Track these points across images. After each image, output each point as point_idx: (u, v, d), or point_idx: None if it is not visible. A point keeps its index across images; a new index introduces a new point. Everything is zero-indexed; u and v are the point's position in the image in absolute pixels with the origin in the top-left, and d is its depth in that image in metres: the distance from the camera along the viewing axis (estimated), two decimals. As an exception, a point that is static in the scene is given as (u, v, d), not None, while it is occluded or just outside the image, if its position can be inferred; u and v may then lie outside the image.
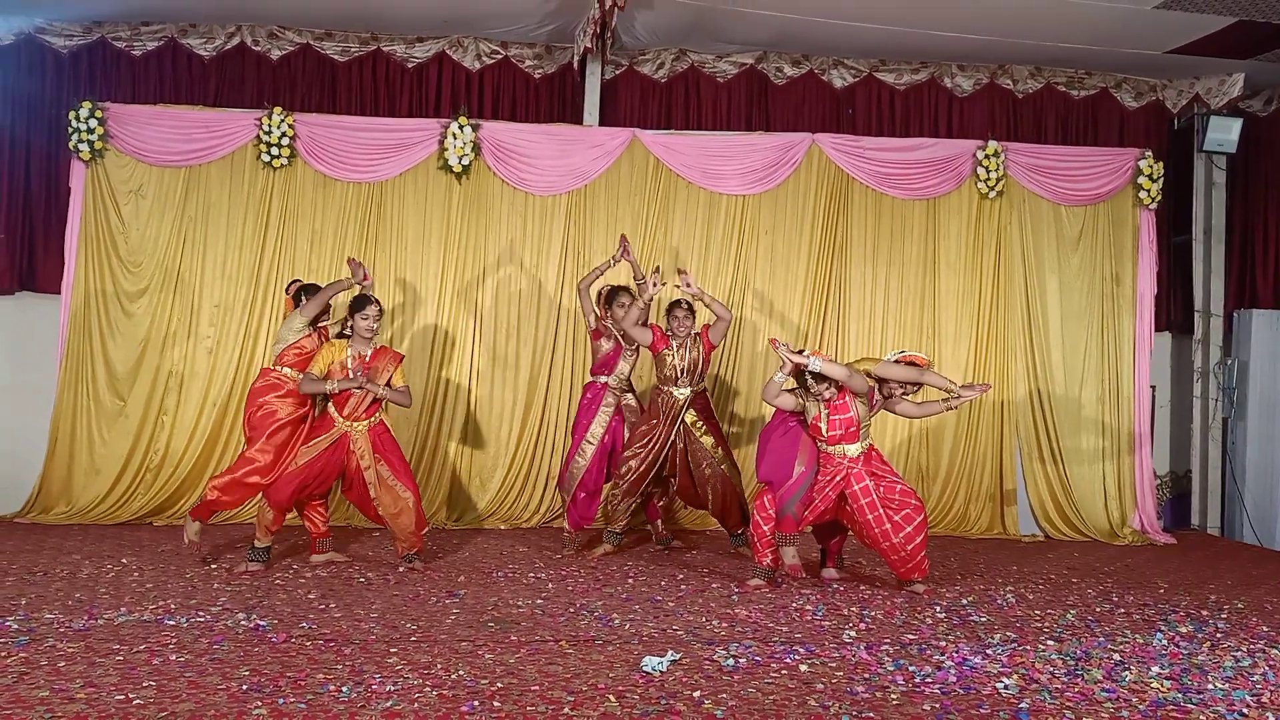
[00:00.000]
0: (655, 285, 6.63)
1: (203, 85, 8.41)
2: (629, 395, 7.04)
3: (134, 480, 7.75)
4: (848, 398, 5.92)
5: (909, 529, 5.89)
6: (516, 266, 8.18)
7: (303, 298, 6.50)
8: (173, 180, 7.95)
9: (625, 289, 7.03)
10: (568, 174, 8.20)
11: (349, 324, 6.20)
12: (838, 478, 5.95)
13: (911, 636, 5.01)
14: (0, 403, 8.15)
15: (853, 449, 5.94)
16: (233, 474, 6.16)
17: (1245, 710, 4.03)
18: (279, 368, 6.35)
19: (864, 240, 8.47)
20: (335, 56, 8.54)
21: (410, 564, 6.27)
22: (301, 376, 6.16)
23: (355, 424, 6.13)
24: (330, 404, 6.15)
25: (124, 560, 6.26)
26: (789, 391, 6.03)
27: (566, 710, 3.77)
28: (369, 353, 6.17)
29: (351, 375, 6.08)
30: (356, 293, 6.35)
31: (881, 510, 5.89)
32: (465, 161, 8.03)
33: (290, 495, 6.09)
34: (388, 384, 6.15)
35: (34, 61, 8.24)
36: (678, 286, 6.71)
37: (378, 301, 6.24)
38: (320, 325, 6.51)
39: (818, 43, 8.66)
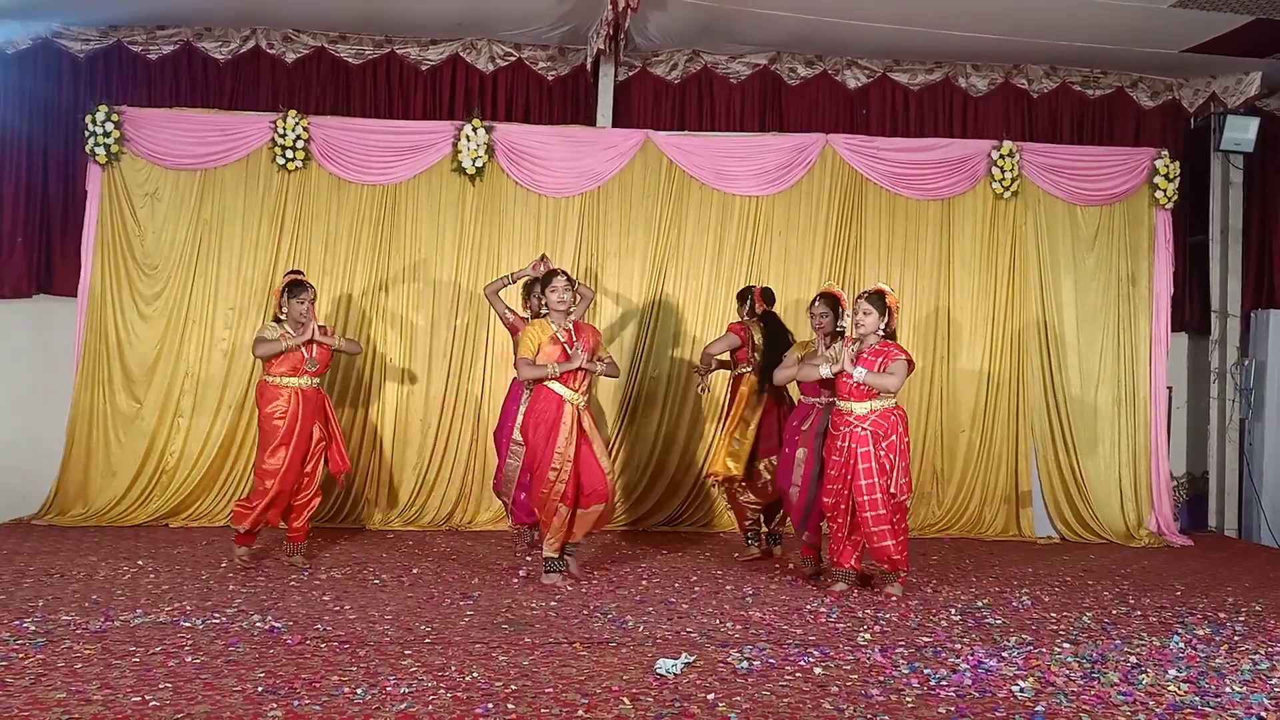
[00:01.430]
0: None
1: (218, 88, 8.45)
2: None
3: (150, 482, 7.79)
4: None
5: (874, 527, 5.85)
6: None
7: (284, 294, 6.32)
8: (188, 183, 7.99)
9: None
10: (581, 175, 8.21)
11: (542, 301, 6.05)
12: (845, 439, 5.90)
13: (926, 639, 4.99)
14: (18, 405, 8.21)
15: (859, 407, 5.88)
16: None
17: (1263, 714, 4.00)
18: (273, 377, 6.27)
19: (878, 241, 8.45)
20: (349, 59, 8.57)
21: (566, 556, 6.06)
22: (518, 361, 6.02)
23: (581, 398, 5.97)
24: (555, 383, 5.90)
25: (140, 562, 6.29)
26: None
27: (580, 712, 3.76)
28: (571, 327, 6.02)
29: (571, 354, 5.87)
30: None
31: (877, 479, 5.81)
32: (479, 164, 8.04)
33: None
34: (597, 360, 6.02)
35: (51, 66, 8.30)
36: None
37: (565, 272, 6.09)
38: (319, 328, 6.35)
39: (831, 43, 8.64)
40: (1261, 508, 8.85)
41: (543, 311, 6.09)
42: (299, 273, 6.52)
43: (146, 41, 8.39)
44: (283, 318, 6.28)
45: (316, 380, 6.36)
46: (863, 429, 5.86)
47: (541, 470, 5.86)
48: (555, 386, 5.91)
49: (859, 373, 5.80)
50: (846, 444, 5.88)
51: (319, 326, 6.31)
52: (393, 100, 8.62)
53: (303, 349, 6.23)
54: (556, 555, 6.00)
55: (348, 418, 7.97)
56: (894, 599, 5.86)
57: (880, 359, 5.85)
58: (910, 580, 6.28)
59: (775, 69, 8.88)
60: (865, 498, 5.82)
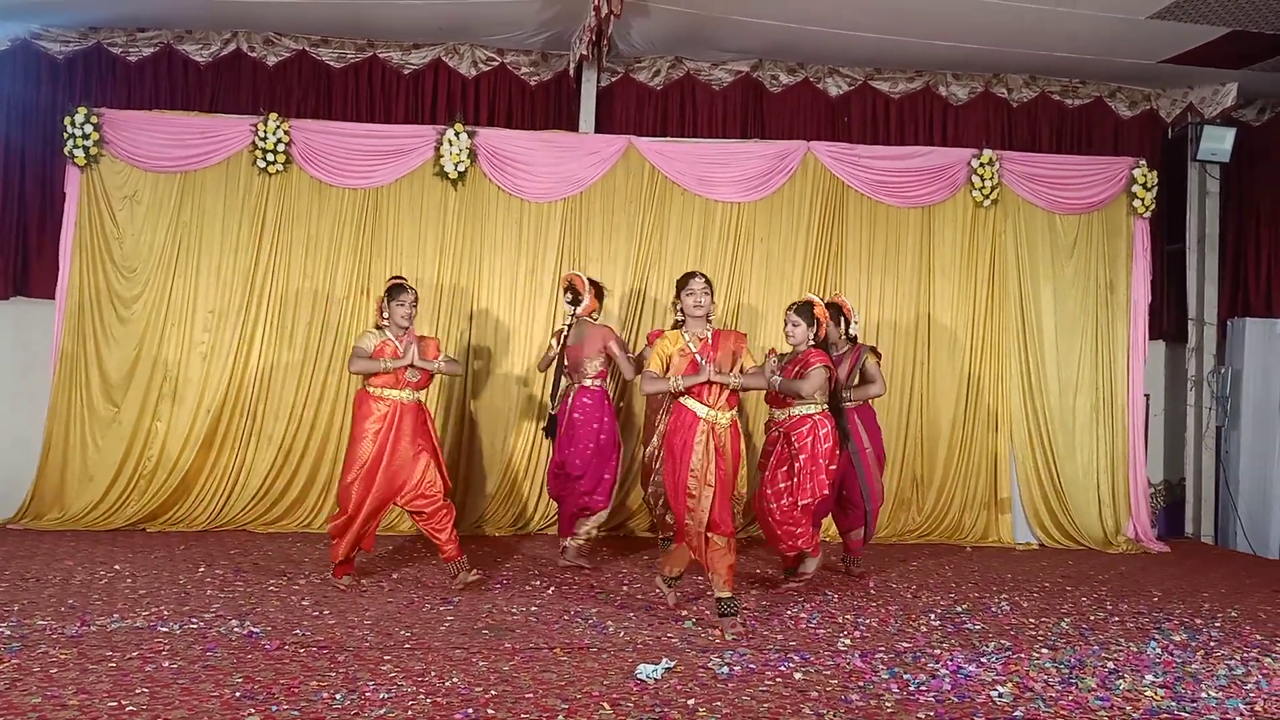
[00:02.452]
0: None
1: (198, 91, 8.41)
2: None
3: (127, 486, 7.73)
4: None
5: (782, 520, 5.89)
6: (511, 273, 8.18)
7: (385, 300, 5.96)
8: (168, 186, 7.94)
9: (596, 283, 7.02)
10: (563, 181, 8.21)
11: (678, 307, 5.36)
12: (770, 443, 6.12)
13: (906, 644, 5.01)
14: (-7, 408, 8.15)
15: (779, 413, 6.00)
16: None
17: (1239, 718, 4.04)
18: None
19: (859, 248, 8.49)
20: (331, 63, 8.54)
21: (725, 615, 5.13)
22: (643, 374, 5.37)
23: (720, 414, 5.23)
24: (687, 397, 5.23)
25: (117, 566, 6.24)
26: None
27: (561, 718, 3.76)
28: (709, 334, 5.32)
29: (701, 367, 5.16)
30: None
31: (783, 484, 5.89)
32: (461, 168, 8.03)
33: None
34: (740, 369, 5.23)
35: (30, 67, 8.23)
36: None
37: (702, 274, 5.38)
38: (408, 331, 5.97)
39: (813, 51, 8.68)
40: (1237, 514, 8.93)
41: (679, 317, 5.44)
42: (401, 279, 6.12)
43: (126, 43, 8.34)
44: (384, 324, 5.92)
45: (418, 394, 5.98)
46: (778, 432, 5.98)
47: (679, 495, 5.22)
48: (688, 401, 5.24)
49: (774, 381, 5.82)
50: (771, 448, 6.04)
51: (419, 343, 5.93)
52: (374, 104, 8.59)
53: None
54: (729, 594, 5.16)
55: (326, 423, 7.94)
56: (806, 576, 6.17)
57: (798, 367, 5.91)
58: (890, 586, 6.35)
59: (757, 76, 8.91)
60: (769, 489, 5.91)
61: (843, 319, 6.66)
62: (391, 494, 5.87)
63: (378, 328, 5.97)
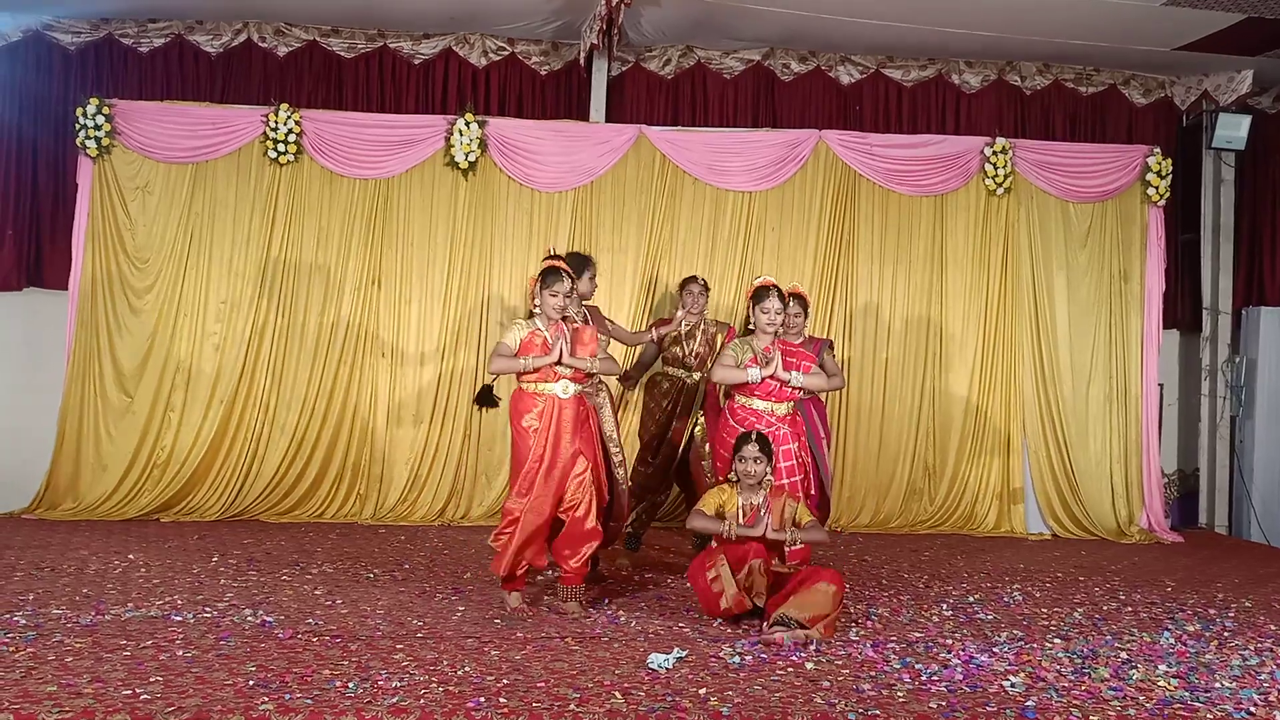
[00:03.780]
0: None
1: (209, 82, 8.41)
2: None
3: (141, 476, 7.76)
4: None
5: None
6: (522, 263, 8.17)
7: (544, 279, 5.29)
8: (180, 176, 7.96)
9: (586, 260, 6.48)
10: (574, 170, 8.20)
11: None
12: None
13: (918, 634, 5.00)
14: (8, 399, 8.16)
15: None
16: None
17: (1253, 709, 4.02)
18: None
19: (871, 237, 8.45)
20: (342, 53, 8.54)
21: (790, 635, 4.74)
22: (692, 513, 5.30)
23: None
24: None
25: (131, 556, 6.27)
26: None
27: (573, 707, 3.77)
28: (763, 497, 5.21)
29: (757, 520, 5.12)
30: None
31: None
32: (471, 158, 8.02)
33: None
34: (795, 523, 5.20)
35: (42, 58, 8.25)
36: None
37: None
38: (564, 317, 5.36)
39: (825, 39, 8.64)
40: (1252, 505, 8.89)
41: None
42: (556, 257, 5.46)
43: (138, 34, 8.35)
44: (536, 311, 5.30)
45: (578, 387, 5.31)
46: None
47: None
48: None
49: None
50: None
51: (574, 333, 5.34)
52: (385, 94, 8.58)
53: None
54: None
55: (339, 413, 7.96)
56: None
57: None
58: (902, 575, 6.35)
59: (768, 65, 8.87)
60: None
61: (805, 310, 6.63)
62: (557, 498, 5.22)
63: (529, 315, 5.36)
